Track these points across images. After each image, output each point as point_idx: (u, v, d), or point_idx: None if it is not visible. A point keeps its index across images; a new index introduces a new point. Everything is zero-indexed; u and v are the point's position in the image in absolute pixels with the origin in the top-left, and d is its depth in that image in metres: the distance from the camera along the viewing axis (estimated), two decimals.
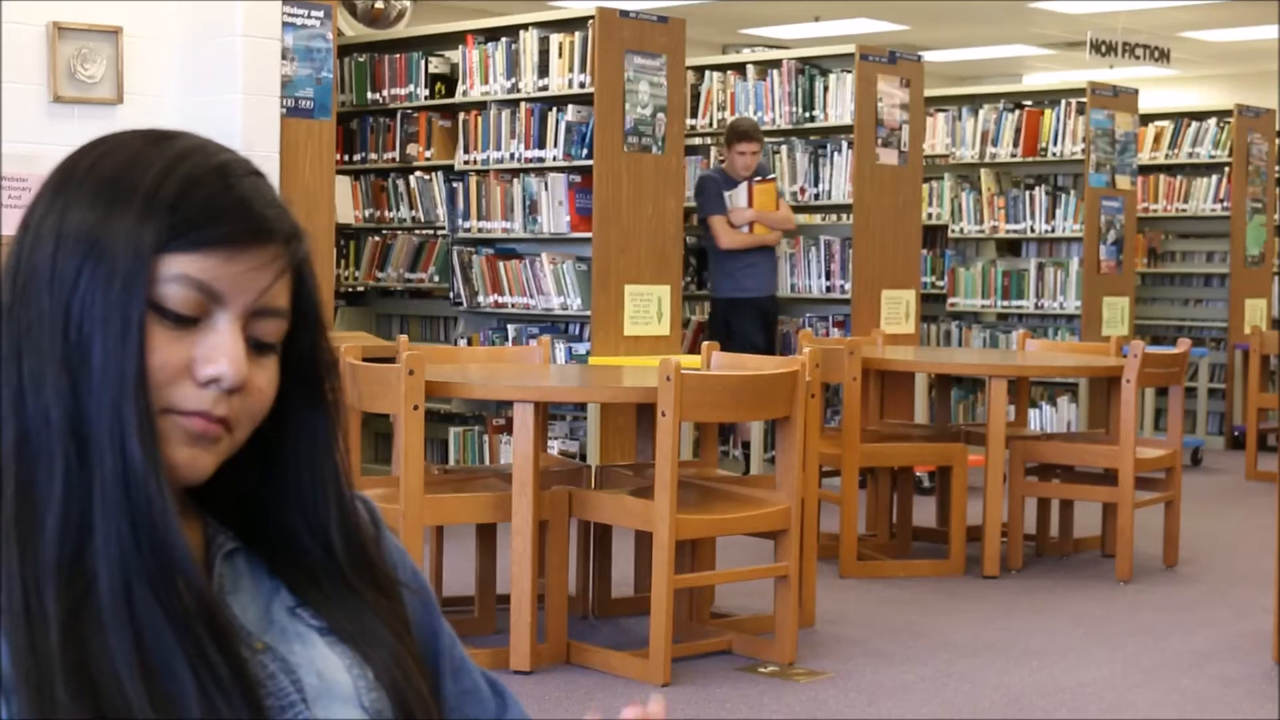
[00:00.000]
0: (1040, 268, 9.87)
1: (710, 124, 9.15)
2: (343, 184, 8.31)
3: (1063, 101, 9.92)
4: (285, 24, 6.81)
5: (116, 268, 1.13)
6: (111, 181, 1.16)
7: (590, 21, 7.40)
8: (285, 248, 1.20)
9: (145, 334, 1.13)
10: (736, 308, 8.55)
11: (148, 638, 1.09)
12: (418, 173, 8.44)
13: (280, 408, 1.23)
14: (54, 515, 1.10)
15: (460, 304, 8.03)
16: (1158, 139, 11.70)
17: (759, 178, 8.50)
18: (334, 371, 1.28)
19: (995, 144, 10.15)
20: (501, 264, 7.82)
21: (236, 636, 1.15)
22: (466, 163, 8.01)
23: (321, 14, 7.00)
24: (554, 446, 7.40)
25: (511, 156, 7.78)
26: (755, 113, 8.94)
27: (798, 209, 9.33)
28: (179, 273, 1.14)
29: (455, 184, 8.06)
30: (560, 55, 7.57)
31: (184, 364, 1.15)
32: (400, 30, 10.01)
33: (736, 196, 8.48)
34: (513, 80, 7.81)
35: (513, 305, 7.79)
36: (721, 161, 8.82)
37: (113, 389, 1.12)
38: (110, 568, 1.09)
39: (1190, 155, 11.57)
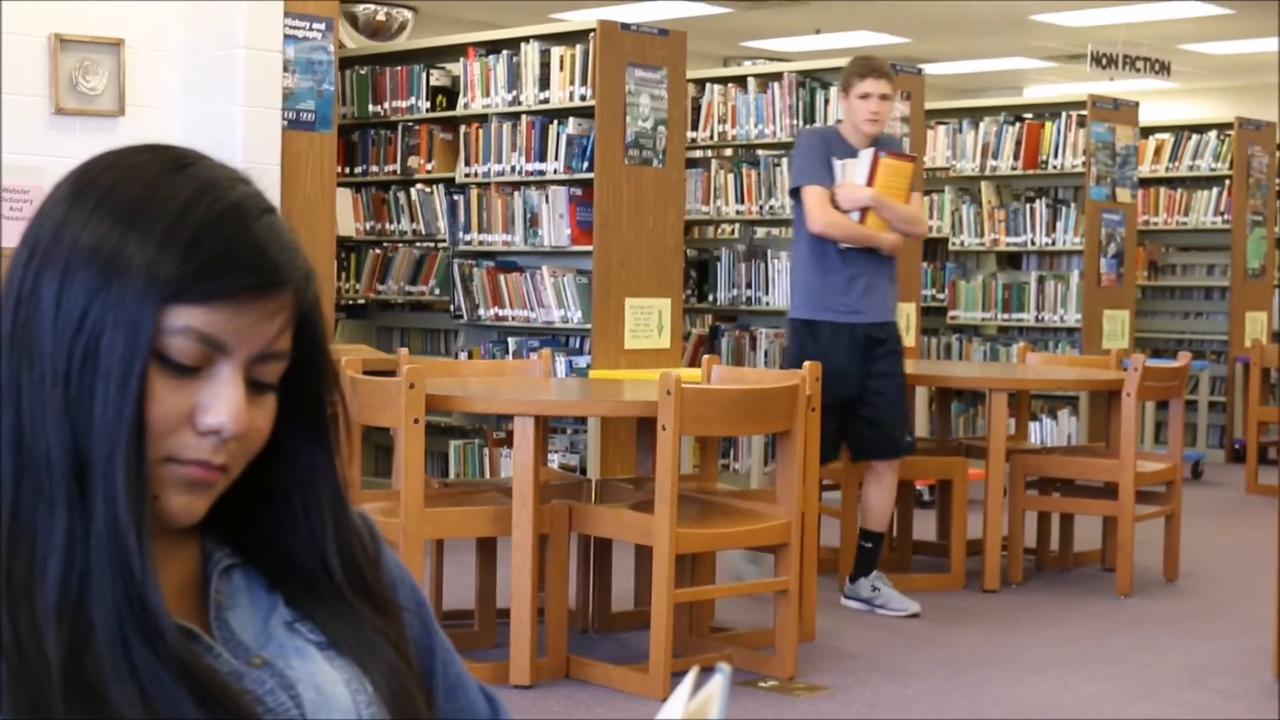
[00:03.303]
0: (1041, 281, 9.88)
1: (711, 137, 9.15)
2: (344, 196, 8.31)
3: (1063, 114, 9.92)
4: (287, 36, 6.81)
5: (123, 316, 1.12)
6: (125, 216, 1.14)
7: (591, 34, 7.41)
8: (294, 295, 1.18)
9: (146, 384, 1.12)
10: (813, 332, 6.04)
11: (149, 686, 1.09)
12: (419, 185, 8.45)
13: (278, 436, 1.22)
14: (56, 560, 1.10)
15: (461, 317, 8.03)
16: (1158, 152, 11.71)
17: (890, 150, 6.05)
18: (336, 399, 1.26)
19: (996, 156, 10.16)
20: (502, 277, 7.83)
21: (225, 691, 1.14)
22: (467, 175, 8.02)
23: (323, 26, 7.01)
24: (554, 460, 7.40)
25: (512, 169, 7.78)
26: (756, 125, 8.92)
27: None
28: (185, 325, 1.13)
29: (456, 197, 8.07)
30: (561, 68, 7.58)
31: (185, 413, 1.14)
32: (401, 43, 10.03)
33: (852, 168, 5.98)
34: (514, 93, 7.82)
35: (513, 318, 7.79)
36: (839, 122, 6.26)
37: (109, 439, 1.11)
38: (106, 617, 1.09)
39: (1191, 168, 11.58)
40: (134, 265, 1.12)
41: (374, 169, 8.65)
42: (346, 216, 8.44)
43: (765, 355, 8.85)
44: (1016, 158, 10.08)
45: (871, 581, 6.02)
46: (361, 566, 1.28)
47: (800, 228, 6.04)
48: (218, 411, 1.15)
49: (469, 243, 7.98)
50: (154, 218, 1.13)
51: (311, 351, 1.23)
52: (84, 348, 1.11)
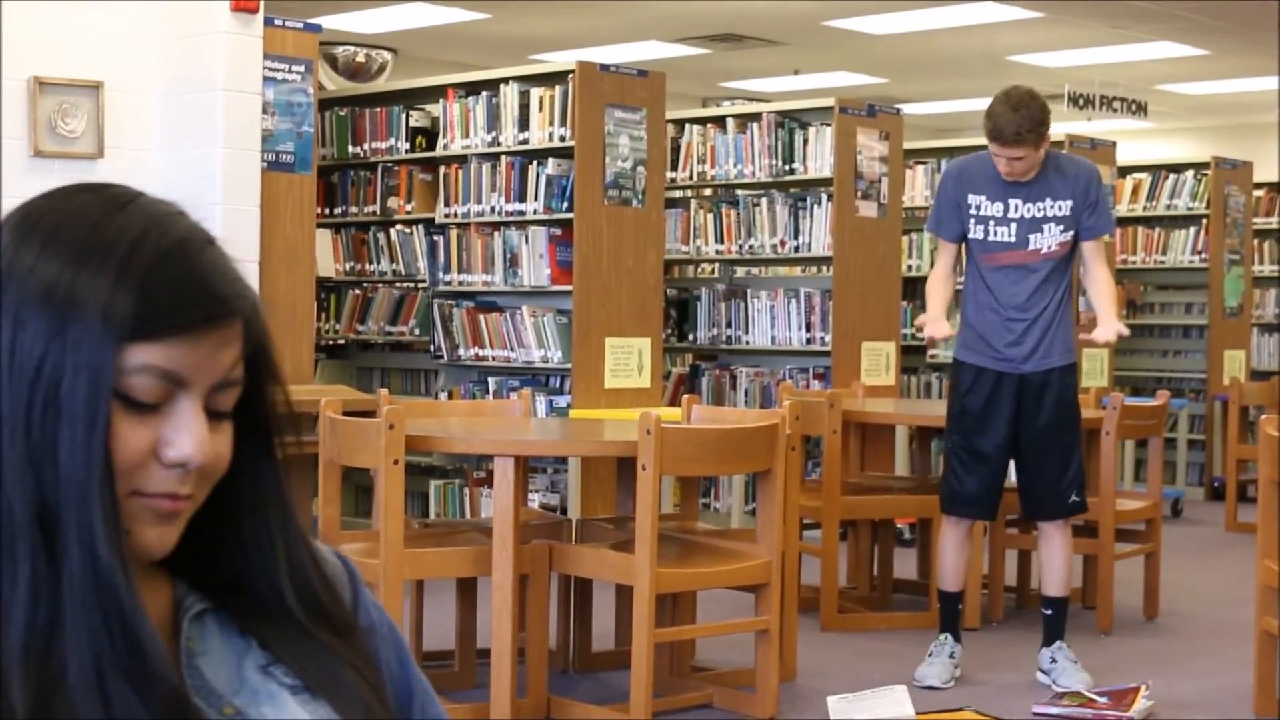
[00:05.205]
0: None
1: (690, 177, 9.18)
2: (323, 237, 8.31)
3: None
4: (266, 78, 6.82)
5: (82, 359, 1.11)
6: (74, 258, 1.12)
7: (570, 75, 7.43)
8: (245, 324, 1.19)
9: (110, 425, 1.11)
10: (958, 373, 5.67)
11: None
12: (398, 226, 8.46)
13: (232, 460, 1.22)
14: (21, 608, 1.08)
15: (441, 357, 8.03)
16: (1136, 191, 11.76)
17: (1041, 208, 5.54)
18: (286, 425, 1.26)
19: None
20: (482, 317, 7.83)
21: None
22: (447, 216, 8.03)
23: (302, 68, 7.02)
24: (535, 499, 7.39)
25: (492, 209, 7.80)
26: (735, 165, 8.95)
27: (777, 261, 9.34)
28: (144, 363, 1.12)
29: (436, 237, 8.08)
30: (541, 109, 7.60)
31: (149, 447, 1.14)
32: (381, 84, 10.04)
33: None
34: (493, 134, 7.84)
35: (493, 358, 7.80)
36: None
37: (79, 483, 1.10)
38: (82, 660, 1.08)
39: (1168, 207, 11.62)
40: (89, 307, 1.11)
41: (354, 210, 8.66)
42: (326, 257, 8.45)
43: (745, 394, 8.87)
44: None
45: (1051, 652, 5.65)
46: (316, 590, 1.27)
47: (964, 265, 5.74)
48: (183, 445, 1.14)
49: (449, 283, 7.99)
50: (104, 257, 1.13)
51: (260, 374, 1.23)
52: (44, 395, 1.10)
